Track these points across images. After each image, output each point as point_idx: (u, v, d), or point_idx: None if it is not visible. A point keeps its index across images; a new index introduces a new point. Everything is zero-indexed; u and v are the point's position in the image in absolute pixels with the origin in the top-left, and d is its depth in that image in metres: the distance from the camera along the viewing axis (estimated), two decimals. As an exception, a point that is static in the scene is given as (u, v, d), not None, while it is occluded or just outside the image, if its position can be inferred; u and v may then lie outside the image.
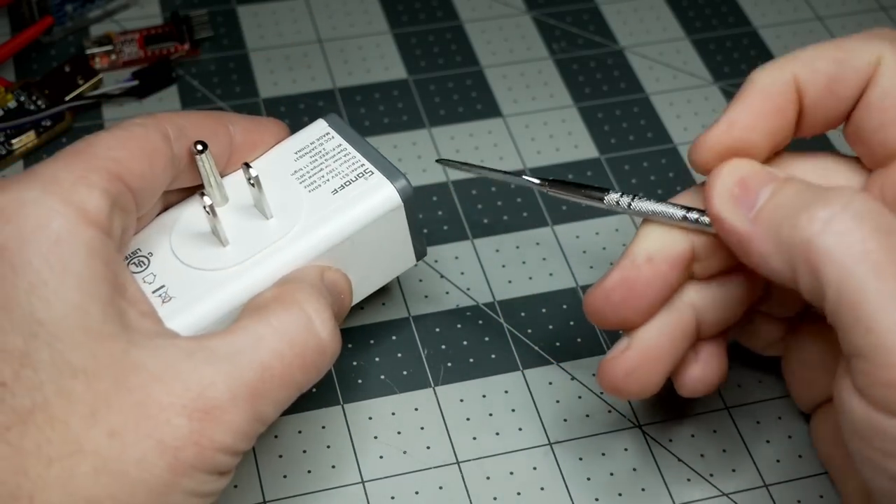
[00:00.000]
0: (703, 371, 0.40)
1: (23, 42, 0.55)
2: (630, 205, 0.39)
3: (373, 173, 0.41)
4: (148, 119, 0.38)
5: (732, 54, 0.58)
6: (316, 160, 0.42)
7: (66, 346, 0.33)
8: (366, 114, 0.54)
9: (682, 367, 0.40)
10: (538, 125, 0.54)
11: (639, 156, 0.53)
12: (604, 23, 0.59)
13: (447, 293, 0.47)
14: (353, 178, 0.41)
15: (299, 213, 0.40)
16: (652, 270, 0.38)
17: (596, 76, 0.57)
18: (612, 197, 0.40)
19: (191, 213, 0.40)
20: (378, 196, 0.41)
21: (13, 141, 0.52)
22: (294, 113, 0.54)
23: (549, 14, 0.59)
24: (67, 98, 0.53)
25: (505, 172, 0.43)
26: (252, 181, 0.39)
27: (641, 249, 0.38)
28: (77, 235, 0.34)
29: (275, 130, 0.43)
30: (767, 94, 0.38)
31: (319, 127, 0.43)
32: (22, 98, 0.53)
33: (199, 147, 0.39)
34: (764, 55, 0.58)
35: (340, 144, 0.42)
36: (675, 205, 0.38)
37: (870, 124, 0.38)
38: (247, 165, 0.39)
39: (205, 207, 0.38)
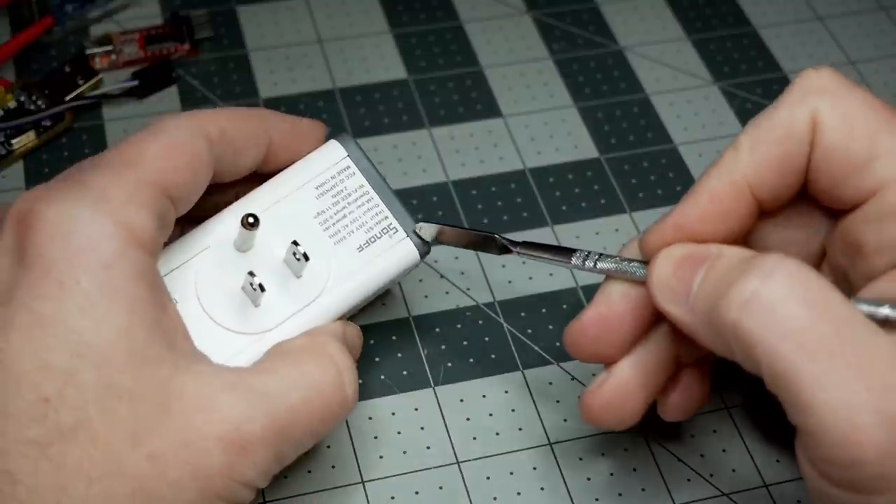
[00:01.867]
0: (683, 397, 0.40)
1: (23, 42, 0.55)
2: (595, 265, 0.39)
3: (396, 230, 0.42)
4: (192, 121, 0.38)
5: (732, 54, 0.58)
6: (338, 202, 0.42)
7: (112, 369, 0.33)
8: (366, 114, 0.54)
9: (663, 393, 0.40)
10: (538, 125, 0.54)
11: (639, 156, 0.53)
12: (604, 23, 0.59)
13: (447, 293, 0.47)
14: (378, 235, 0.41)
15: (327, 272, 0.40)
16: (626, 306, 0.38)
17: (596, 76, 0.57)
18: (578, 257, 0.39)
19: (217, 261, 0.40)
20: (401, 255, 0.42)
21: (13, 141, 0.51)
22: (294, 113, 0.54)
23: (549, 14, 0.59)
24: (67, 98, 0.53)
25: (476, 231, 0.42)
26: (299, 257, 0.39)
27: (614, 286, 0.38)
28: (126, 259, 0.34)
29: (313, 137, 0.43)
30: (715, 197, 0.37)
31: (335, 153, 0.42)
32: (22, 98, 0.53)
33: (251, 220, 0.38)
34: (764, 55, 0.58)
35: (362, 185, 0.42)
36: (638, 262, 0.38)
37: (819, 184, 0.37)
38: (295, 243, 0.39)
39: (252, 285, 0.38)
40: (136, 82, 0.54)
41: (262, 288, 0.38)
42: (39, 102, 0.53)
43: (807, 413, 0.32)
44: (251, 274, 0.38)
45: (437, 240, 0.42)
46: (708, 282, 0.35)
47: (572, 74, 0.56)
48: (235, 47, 0.57)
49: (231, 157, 0.40)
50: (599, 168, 0.52)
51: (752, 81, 0.57)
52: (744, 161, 0.37)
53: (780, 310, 0.32)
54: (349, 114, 0.54)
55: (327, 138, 0.43)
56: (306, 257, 0.39)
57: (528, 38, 0.58)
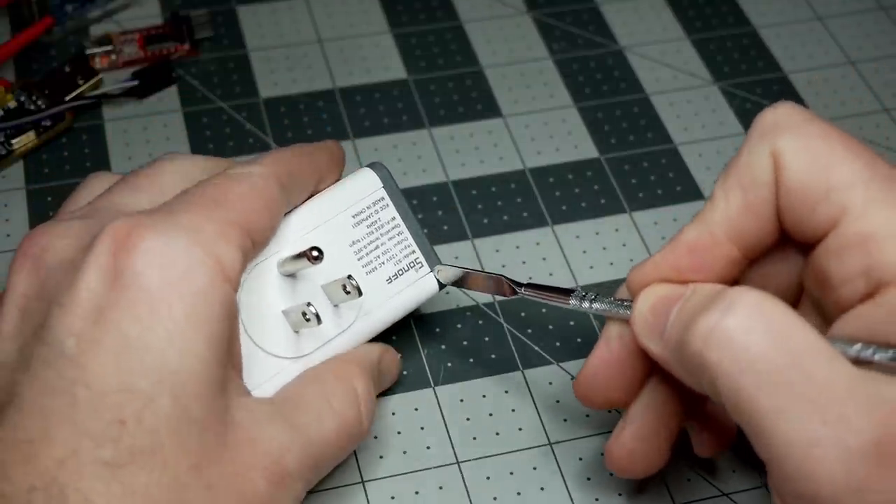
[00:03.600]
0: (709, 432, 0.41)
1: (23, 42, 0.55)
2: (591, 305, 0.40)
3: (422, 265, 0.43)
4: (267, 168, 0.39)
5: (732, 54, 0.58)
6: (372, 233, 0.42)
7: (188, 398, 0.34)
8: (366, 114, 0.54)
9: (693, 430, 0.41)
10: (538, 125, 0.54)
11: (639, 156, 0.53)
12: (604, 23, 0.59)
13: (447, 293, 0.47)
14: (405, 268, 0.43)
15: (360, 301, 0.41)
16: (623, 349, 0.39)
17: (596, 76, 0.57)
18: (575, 298, 0.40)
19: (262, 281, 0.40)
20: (423, 287, 0.43)
21: (13, 141, 0.52)
22: (294, 113, 0.54)
23: (549, 14, 0.59)
24: (67, 98, 0.53)
25: (485, 273, 0.43)
26: (349, 289, 0.40)
27: (612, 330, 0.39)
28: (215, 292, 0.35)
29: (340, 160, 0.43)
30: (694, 249, 0.38)
31: (371, 182, 0.43)
32: (22, 98, 0.53)
33: (316, 254, 0.39)
34: (764, 55, 0.58)
35: (394, 218, 0.43)
36: (629, 301, 0.38)
37: (787, 221, 0.37)
38: (349, 277, 0.40)
39: (306, 315, 0.39)
40: (136, 82, 0.54)
41: (318, 319, 0.39)
42: (39, 102, 0.53)
43: (768, 445, 0.32)
44: (309, 304, 0.39)
45: (455, 283, 0.43)
46: (679, 317, 0.35)
47: (572, 74, 0.56)
48: (235, 47, 0.57)
49: (296, 196, 0.41)
50: (599, 168, 0.52)
51: (752, 81, 0.57)
52: (719, 212, 0.37)
53: (740, 341, 0.32)
54: (349, 114, 0.54)
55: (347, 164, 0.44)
56: (359, 292, 0.40)
57: (528, 38, 0.58)
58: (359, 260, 0.42)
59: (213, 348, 0.35)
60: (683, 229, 0.38)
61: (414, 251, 0.43)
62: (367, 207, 0.43)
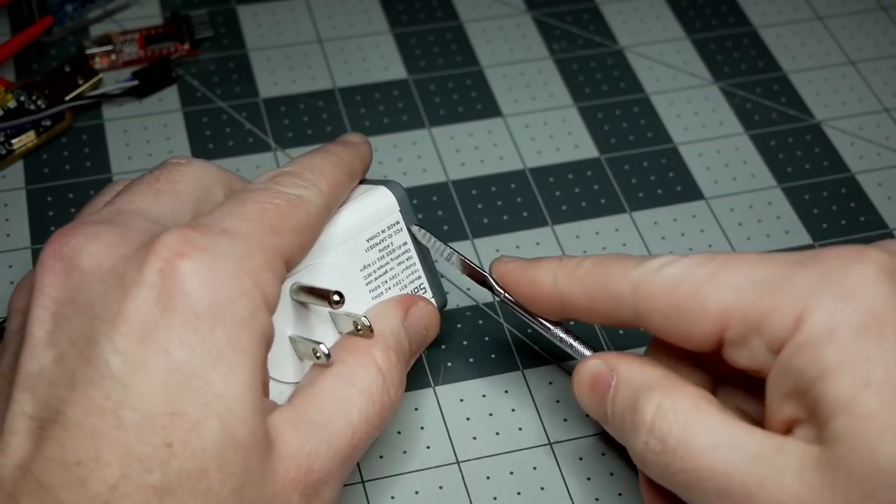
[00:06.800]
0: None
1: (23, 42, 0.55)
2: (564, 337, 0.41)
3: (426, 290, 0.43)
4: (325, 198, 0.39)
5: (732, 54, 0.58)
6: (383, 257, 0.42)
7: (235, 421, 0.34)
8: (366, 114, 0.54)
9: None
10: (538, 125, 0.54)
11: (639, 156, 0.53)
12: (604, 23, 0.59)
13: (447, 293, 0.47)
14: (410, 294, 0.42)
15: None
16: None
17: (596, 76, 0.57)
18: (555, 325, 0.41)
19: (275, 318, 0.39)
20: None
21: (13, 141, 0.52)
22: (294, 113, 0.54)
23: (549, 14, 0.59)
24: (67, 98, 0.53)
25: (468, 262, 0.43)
26: (361, 329, 0.39)
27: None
28: (258, 320, 0.35)
29: (366, 168, 0.43)
30: (532, 282, 0.40)
31: (388, 204, 0.42)
32: (22, 98, 0.53)
33: (337, 298, 0.38)
34: (764, 55, 0.58)
35: (406, 242, 0.42)
36: (590, 349, 0.41)
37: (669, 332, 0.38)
38: (364, 317, 0.39)
39: (316, 353, 0.38)
40: (136, 82, 0.54)
41: (327, 357, 0.38)
42: (39, 102, 0.53)
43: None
44: (320, 343, 0.38)
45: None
46: (615, 404, 0.38)
47: (572, 74, 0.57)
48: (235, 47, 0.57)
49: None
50: (599, 168, 0.52)
51: (752, 81, 0.57)
52: (574, 279, 0.40)
53: (660, 453, 0.36)
54: (349, 114, 0.54)
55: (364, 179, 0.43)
56: (371, 330, 0.39)
57: (528, 38, 0.58)
58: (367, 285, 0.41)
59: (255, 375, 0.35)
60: (543, 263, 0.40)
61: (420, 276, 0.43)
62: (382, 231, 0.42)
